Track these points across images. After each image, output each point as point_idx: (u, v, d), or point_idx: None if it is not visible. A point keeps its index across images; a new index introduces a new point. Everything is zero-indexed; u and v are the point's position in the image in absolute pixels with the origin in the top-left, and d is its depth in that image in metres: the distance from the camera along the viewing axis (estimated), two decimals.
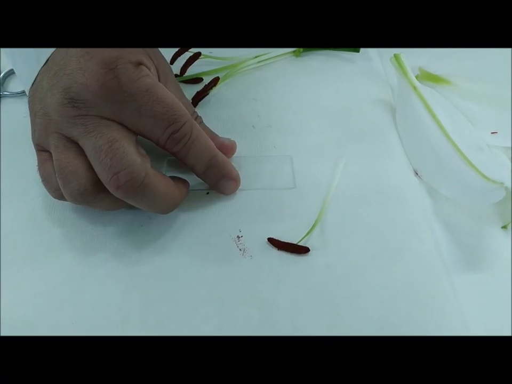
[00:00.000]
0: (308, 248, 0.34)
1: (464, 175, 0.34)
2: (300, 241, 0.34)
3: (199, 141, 0.33)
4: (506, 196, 0.33)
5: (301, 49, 0.46)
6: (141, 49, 0.33)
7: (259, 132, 0.41)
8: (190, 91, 0.42)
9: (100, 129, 0.30)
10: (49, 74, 0.32)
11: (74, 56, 0.31)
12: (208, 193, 0.37)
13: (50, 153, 0.32)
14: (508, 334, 0.31)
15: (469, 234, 0.36)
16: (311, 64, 0.46)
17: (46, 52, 0.33)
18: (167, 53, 0.39)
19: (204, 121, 0.38)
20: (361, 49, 0.47)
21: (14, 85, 0.44)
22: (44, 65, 0.33)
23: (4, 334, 0.30)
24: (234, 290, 0.32)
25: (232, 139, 0.38)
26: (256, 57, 0.45)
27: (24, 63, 0.35)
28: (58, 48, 0.32)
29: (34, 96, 0.33)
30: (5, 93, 0.43)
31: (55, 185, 0.32)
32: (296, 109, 0.42)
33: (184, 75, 0.44)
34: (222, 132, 0.38)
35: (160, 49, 0.37)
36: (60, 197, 0.33)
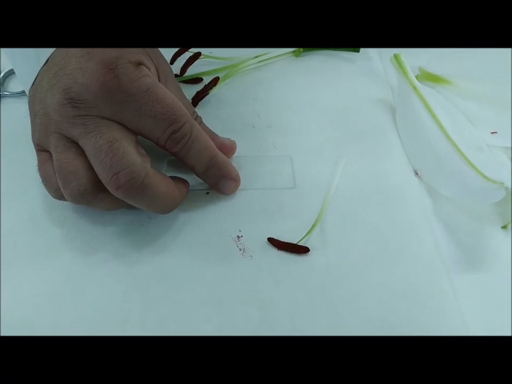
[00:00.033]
0: (308, 248, 0.34)
1: (464, 175, 0.34)
2: (300, 241, 0.34)
3: (199, 141, 0.33)
4: (506, 196, 0.33)
5: (301, 49, 0.46)
6: (141, 49, 0.33)
7: (259, 132, 0.41)
8: (190, 91, 0.42)
9: (100, 129, 0.30)
10: (49, 74, 0.32)
11: (74, 56, 0.31)
12: (208, 193, 0.37)
13: (50, 153, 0.32)
14: (507, 334, 0.31)
15: (469, 234, 0.36)
16: (311, 64, 0.46)
17: (46, 52, 0.33)
18: (167, 53, 0.39)
19: (203, 121, 0.38)
20: (361, 49, 0.47)
21: (14, 85, 0.44)
22: (43, 65, 0.33)
23: (4, 334, 0.30)
24: (234, 290, 0.32)
25: (232, 139, 0.38)
26: (256, 57, 0.45)
27: (24, 63, 0.35)
28: (58, 48, 0.32)
29: (34, 96, 0.33)
30: (5, 93, 0.43)
31: (55, 185, 0.32)
32: (296, 109, 0.42)
33: (184, 75, 0.44)
34: (222, 132, 0.38)
35: (160, 49, 0.37)
36: (60, 197, 0.33)
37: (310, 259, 0.34)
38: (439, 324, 0.31)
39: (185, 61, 0.44)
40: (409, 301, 0.32)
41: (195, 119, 0.35)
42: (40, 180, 0.33)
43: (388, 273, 0.33)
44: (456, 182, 0.35)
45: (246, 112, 0.42)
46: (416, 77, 0.41)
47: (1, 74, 0.44)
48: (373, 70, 0.46)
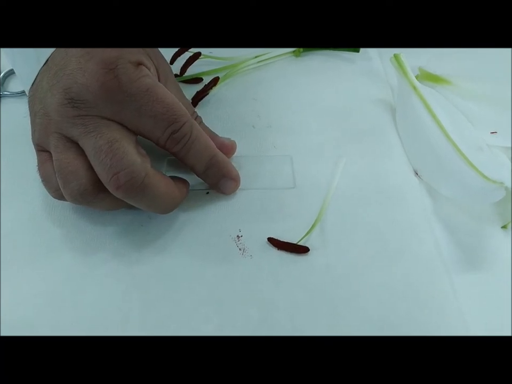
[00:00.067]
0: (308, 248, 0.34)
1: (464, 175, 0.34)
2: (300, 241, 0.34)
3: (199, 141, 0.33)
4: (506, 195, 0.33)
5: (301, 49, 0.46)
6: (141, 49, 0.33)
7: (259, 132, 0.41)
8: (190, 91, 0.42)
9: (99, 129, 0.30)
10: (49, 74, 0.32)
11: (74, 56, 0.31)
12: (208, 193, 0.37)
13: (50, 153, 0.32)
14: (507, 334, 0.31)
15: (469, 234, 0.36)
16: (311, 64, 0.46)
17: (46, 52, 0.33)
18: (167, 53, 0.39)
19: (203, 121, 0.38)
20: (361, 49, 0.47)
21: (14, 85, 0.44)
22: (43, 65, 0.33)
23: (4, 334, 0.30)
24: (234, 290, 0.32)
25: (232, 139, 0.38)
26: (256, 57, 0.45)
27: (24, 63, 0.35)
28: (58, 48, 0.32)
29: (34, 96, 0.33)
30: (5, 93, 0.43)
31: (55, 185, 0.32)
32: (296, 109, 0.42)
33: (184, 75, 0.44)
34: (222, 132, 0.38)
35: (160, 49, 0.37)
36: (60, 197, 0.33)
37: (310, 259, 0.34)
38: (439, 324, 0.31)
39: (185, 61, 0.44)
40: (409, 301, 0.32)
41: (195, 119, 0.35)
42: (40, 180, 0.33)
43: (388, 273, 0.33)
44: (456, 182, 0.35)
45: (246, 112, 0.42)
46: (416, 77, 0.41)
47: (1, 74, 0.44)
48: (373, 70, 0.46)
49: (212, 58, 0.45)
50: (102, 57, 0.30)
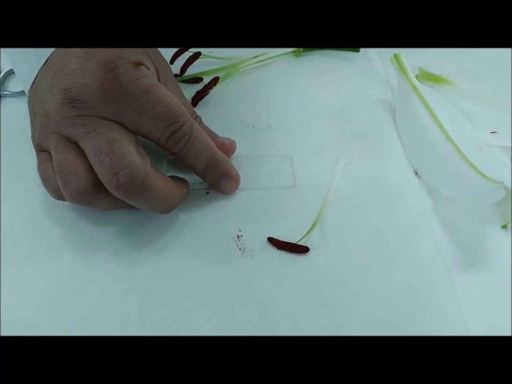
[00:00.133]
0: (308, 247, 0.34)
1: (464, 175, 0.34)
2: (300, 240, 0.34)
3: (199, 141, 0.33)
4: (506, 195, 0.33)
5: (301, 49, 0.46)
6: (140, 49, 0.33)
7: (259, 132, 0.41)
8: (190, 91, 0.42)
9: (99, 129, 0.30)
10: (49, 74, 0.32)
11: (74, 56, 0.31)
12: (208, 192, 0.37)
13: (50, 153, 0.32)
14: (508, 334, 0.31)
15: (469, 234, 0.36)
16: (311, 64, 0.46)
17: (46, 52, 0.33)
18: (167, 53, 0.39)
19: (203, 121, 0.38)
20: (361, 49, 0.47)
21: (14, 85, 0.44)
22: (43, 65, 0.33)
23: (4, 334, 0.30)
24: (234, 290, 0.32)
25: (232, 139, 0.38)
26: (256, 57, 0.45)
27: (24, 63, 0.35)
28: (58, 48, 0.32)
29: (34, 96, 0.33)
30: (5, 93, 0.43)
31: (55, 186, 0.32)
32: (296, 109, 0.42)
33: (184, 75, 0.44)
34: (222, 132, 0.38)
35: (160, 49, 0.37)
36: (60, 197, 0.33)
37: (310, 259, 0.34)
38: (439, 324, 0.31)
39: (185, 60, 0.44)
40: (409, 301, 0.32)
41: (195, 119, 0.35)
42: (40, 180, 0.33)
43: (388, 273, 0.33)
44: (456, 182, 0.35)
45: (246, 112, 0.42)
46: (416, 77, 0.41)
47: (1, 74, 0.44)
48: (373, 70, 0.46)
49: (211, 58, 0.45)
50: (101, 57, 0.30)
